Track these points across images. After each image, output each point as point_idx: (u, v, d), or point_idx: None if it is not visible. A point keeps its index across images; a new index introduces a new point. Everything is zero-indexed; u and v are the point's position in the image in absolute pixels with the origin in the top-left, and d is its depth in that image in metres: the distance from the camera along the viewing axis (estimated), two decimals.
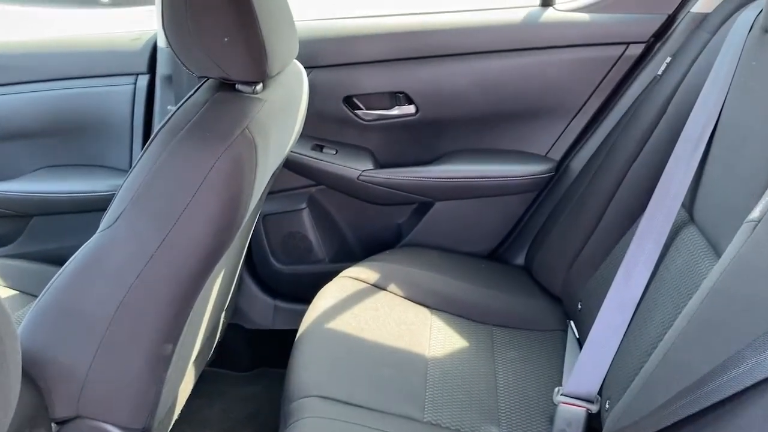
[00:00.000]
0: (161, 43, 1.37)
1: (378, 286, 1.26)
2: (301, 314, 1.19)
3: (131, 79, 1.41)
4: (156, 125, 1.41)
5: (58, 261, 1.39)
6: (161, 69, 1.37)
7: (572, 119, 1.35)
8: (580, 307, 1.16)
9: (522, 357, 1.15)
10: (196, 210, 0.81)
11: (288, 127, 1.03)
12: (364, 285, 1.25)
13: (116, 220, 0.84)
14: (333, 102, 1.37)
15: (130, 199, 0.83)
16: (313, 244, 1.48)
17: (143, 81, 1.41)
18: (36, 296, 1.23)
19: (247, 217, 0.92)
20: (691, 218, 0.97)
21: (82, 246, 0.87)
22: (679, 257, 0.94)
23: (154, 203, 0.83)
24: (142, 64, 1.41)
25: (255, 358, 1.59)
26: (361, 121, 1.38)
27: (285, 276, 1.51)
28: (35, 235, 1.50)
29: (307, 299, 1.24)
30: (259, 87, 0.92)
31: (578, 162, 1.34)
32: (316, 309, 1.18)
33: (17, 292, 1.28)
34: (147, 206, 0.83)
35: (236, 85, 0.91)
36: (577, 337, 1.17)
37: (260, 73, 0.88)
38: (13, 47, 1.44)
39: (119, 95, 1.41)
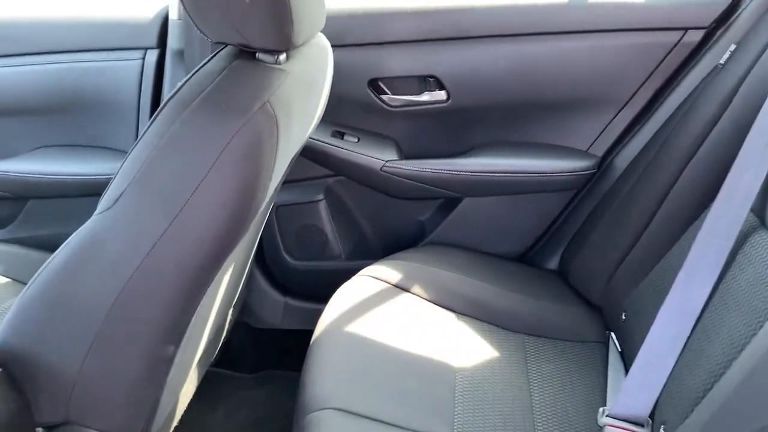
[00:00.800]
0: (173, 15, 1.27)
1: (400, 287, 1.15)
2: (314, 314, 1.10)
3: (139, 53, 1.31)
4: None
5: (56, 248, 1.30)
6: (172, 43, 1.27)
7: (619, 112, 1.24)
8: (624, 318, 1.05)
9: (559, 371, 1.04)
10: (207, 192, 0.71)
11: (311, 106, 0.92)
12: (385, 285, 1.15)
13: (115, 202, 0.74)
14: (356, 85, 1.26)
15: (132, 177, 0.73)
16: (329, 239, 1.37)
17: (152, 56, 1.30)
18: None
19: (264, 205, 0.81)
20: (763, 223, 0.86)
21: (76, 231, 0.77)
22: (750, 267, 0.83)
23: (159, 183, 0.73)
24: (152, 38, 1.30)
25: (262, 360, 1.49)
26: (386, 107, 1.27)
27: (298, 272, 1.40)
28: (32, 220, 1.41)
29: (320, 298, 1.14)
30: (282, 57, 0.81)
31: (623, 159, 1.22)
32: (333, 310, 1.08)
33: (10, 279, 1.18)
34: (151, 186, 0.73)
35: (256, 54, 0.81)
36: (620, 350, 1.06)
37: (285, 41, 0.77)
38: (12, 16, 1.34)
39: (126, 71, 1.31)
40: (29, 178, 1.33)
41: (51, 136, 1.38)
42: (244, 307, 1.38)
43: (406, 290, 1.15)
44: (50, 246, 1.31)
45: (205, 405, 1.37)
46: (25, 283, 1.16)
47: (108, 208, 0.75)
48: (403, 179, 1.28)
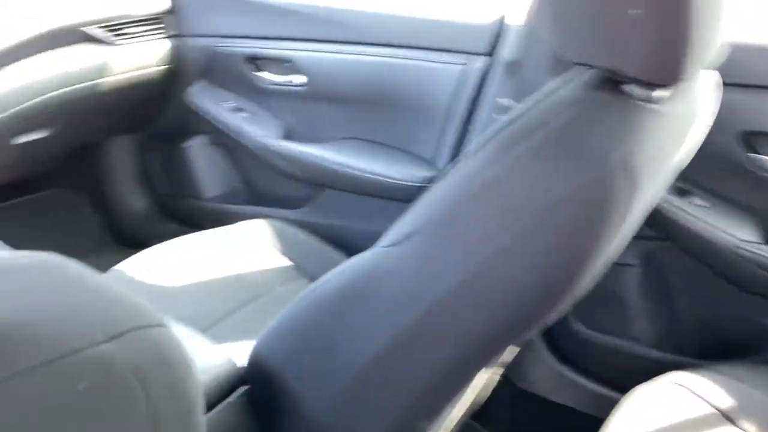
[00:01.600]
0: (512, 21, 1.11)
1: (725, 415, 0.86)
2: (593, 396, 0.88)
3: (463, 58, 1.18)
4: (478, 118, 1.16)
5: (339, 242, 1.26)
6: (504, 53, 1.12)
7: None
8: None
9: None
10: (525, 249, 0.54)
11: (679, 158, 0.69)
12: (702, 405, 0.86)
13: (407, 238, 0.60)
14: (721, 136, 0.96)
15: (434, 217, 0.58)
16: (634, 315, 1.10)
17: (477, 63, 1.16)
18: (307, 273, 1.08)
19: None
20: None
21: (352, 258, 0.66)
22: None
23: (467, 227, 0.58)
24: (481, 44, 1.16)
25: (516, 425, 1.29)
26: (757, 171, 0.96)
27: (583, 342, 1.16)
28: (324, 207, 1.41)
29: (605, 380, 0.90)
30: (660, 93, 0.59)
31: None
32: (624, 423, 0.83)
33: (292, 263, 1.17)
34: (453, 231, 0.58)
35: (623, 86, 0.60)
36: None
37: (672, 73, 0.55)
38: (347, 5, 1.32)
39: (445, 75, 1.19)
40: (331, 167, 1.31)
41: (358, 128, 1.35)
42: (513, 362, 1.20)
43: (733, 422, 0.85)
44: (334, 238, 1.28)
45: None
46: (302, 270, 1.14)
47: (395, 244, 0.61)
48: (763, 270, 0.96)
